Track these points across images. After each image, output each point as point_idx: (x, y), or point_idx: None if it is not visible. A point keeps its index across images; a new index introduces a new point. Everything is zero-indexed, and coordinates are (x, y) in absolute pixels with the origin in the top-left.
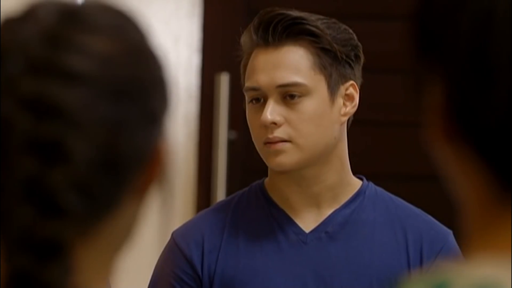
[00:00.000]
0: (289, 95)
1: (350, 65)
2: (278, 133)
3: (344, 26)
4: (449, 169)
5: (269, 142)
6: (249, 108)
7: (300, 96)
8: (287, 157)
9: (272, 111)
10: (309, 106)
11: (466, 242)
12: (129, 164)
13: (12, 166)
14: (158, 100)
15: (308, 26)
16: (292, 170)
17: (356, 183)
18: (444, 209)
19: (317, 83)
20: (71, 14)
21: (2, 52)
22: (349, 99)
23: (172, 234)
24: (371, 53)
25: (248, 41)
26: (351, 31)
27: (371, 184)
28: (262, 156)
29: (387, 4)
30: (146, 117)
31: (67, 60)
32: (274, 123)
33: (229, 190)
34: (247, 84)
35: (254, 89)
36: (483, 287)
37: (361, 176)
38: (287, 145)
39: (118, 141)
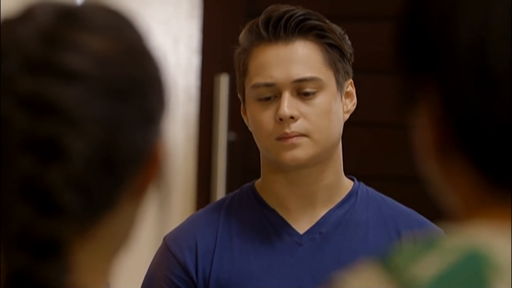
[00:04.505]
0: (303, 93)
1: (349, 62)
2: (295, 127)
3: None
4: (437, 179)
5: (284, 137)
6: (256, 105)
7: (314, 92)
8: (302, 151)
9: (289, 105)
10: (323, 101)
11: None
12: (126, 163)
13: (10, 164)
14: (155, 101)
15: (318, 22)
16: (305, 165)
17: (348, 184)
18: (438, 211)
19: (329, 78)
20: (69, 14)
21: (0, 51)
22: (348, 97)
23: (164, 239)
24: (366, 54)
25: (253, 37)
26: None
27: (362, 185)
28: (270, 153)
29: (379, 6)
30: (143, 116)
31: (64, 58)
32: (292, 117)
33: (229, 191)
34: (258, 80)
35: (267, 85)
36: (472, 250)
37: (352, 176)
38: (303, 139)
39: (115, 140)
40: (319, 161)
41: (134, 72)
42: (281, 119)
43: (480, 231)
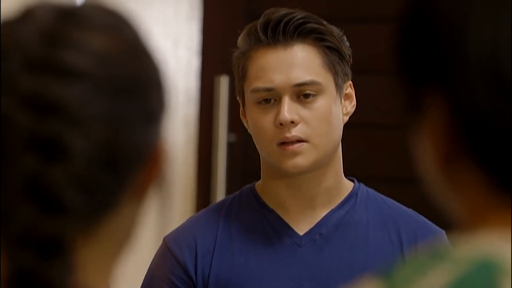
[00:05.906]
0: (303, 94)
1: (348, 64)
2: (295, 132)
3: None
4: (441, 189)
5: (285, 143)
6: (256, 110)
7: (314, 95)
8: (304, 158)
9: (289, 110)
10: (323, 105)
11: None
12: (128, 162)
13: (12, 163)
14: (156, 100)
15: (316, 25)
16: (307, 171)
17: (348, 185)
18: (436, 212)
19: (328, 82)
20: (69, 14)
21: (1, 51)
22: (348, 98)
23: (164, 239)
24: (364, 55)
25: (252, 41)
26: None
27: (362, 186)
28: (272, 158)
29: (377, 7)
30: (144, 115)
31: (64, 57)
32: (292, 122)
33: (229, 193)
34: (258, 84)
35: (267, 89)
36: (483, 259)
37: (352, 178)
38: (304, 146)
39: (117, 138)
40: (319, 165)
41: (134, 71)
42: (281, 124)
43: (490, 238)
